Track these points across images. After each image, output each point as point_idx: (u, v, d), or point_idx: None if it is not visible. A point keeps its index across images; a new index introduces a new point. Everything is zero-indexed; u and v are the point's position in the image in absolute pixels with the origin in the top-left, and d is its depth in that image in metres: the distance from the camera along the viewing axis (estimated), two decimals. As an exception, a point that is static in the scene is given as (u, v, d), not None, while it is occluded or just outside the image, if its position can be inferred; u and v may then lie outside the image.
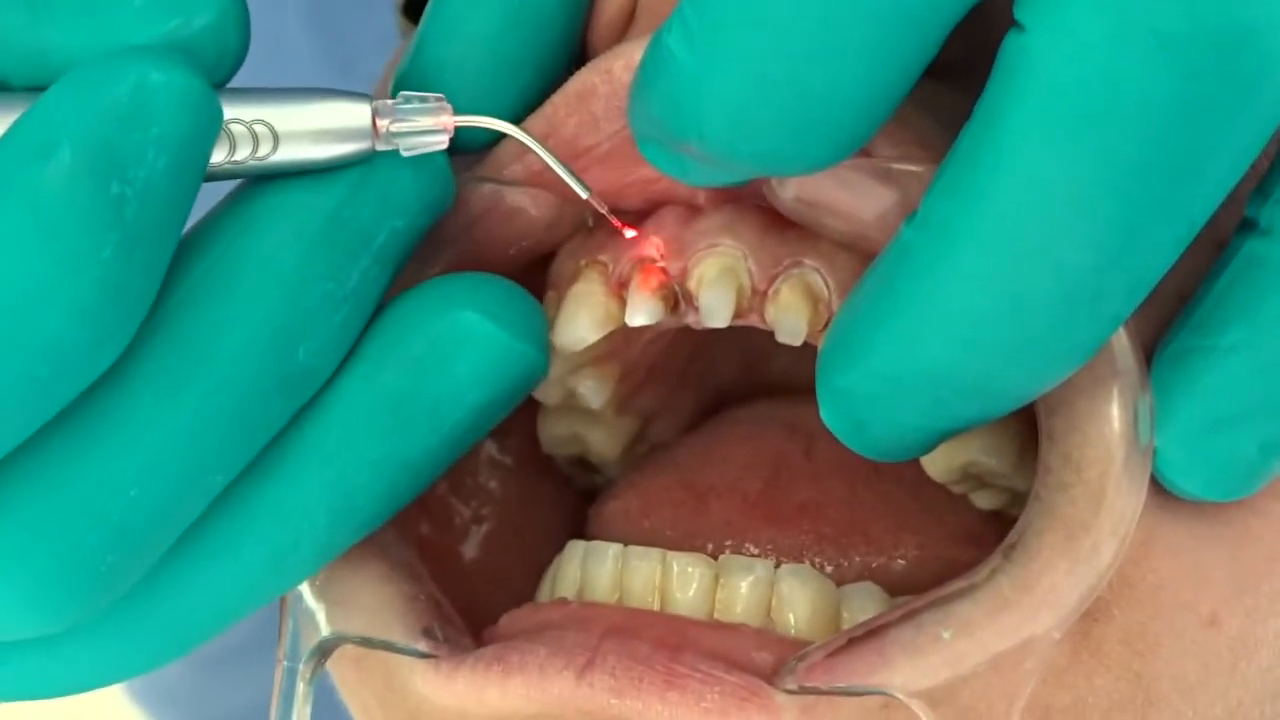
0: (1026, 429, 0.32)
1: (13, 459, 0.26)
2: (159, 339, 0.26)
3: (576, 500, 0.40)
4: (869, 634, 0.28)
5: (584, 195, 0.30)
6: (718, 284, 0.30)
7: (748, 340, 0.40)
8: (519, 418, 0.38)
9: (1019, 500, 0.34)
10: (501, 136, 0.31)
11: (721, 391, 0.41)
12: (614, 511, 0.37)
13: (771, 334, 0.40)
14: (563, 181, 0.30)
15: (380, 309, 0.30)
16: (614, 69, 0.29)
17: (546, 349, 0.31)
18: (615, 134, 0.30)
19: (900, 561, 0.34)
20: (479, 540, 0.37)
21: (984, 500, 0.34)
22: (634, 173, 0.31)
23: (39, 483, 0.26)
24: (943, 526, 0.35)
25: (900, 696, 0.27)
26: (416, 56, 0.31)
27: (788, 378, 0.40)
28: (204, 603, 0.29)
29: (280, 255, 0.27)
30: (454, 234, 0.32)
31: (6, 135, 0.25)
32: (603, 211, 0.31)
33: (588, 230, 0.33)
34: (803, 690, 0.28)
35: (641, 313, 0.31)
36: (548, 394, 0.35)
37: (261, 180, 0.28)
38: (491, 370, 0.29)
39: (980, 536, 0.34)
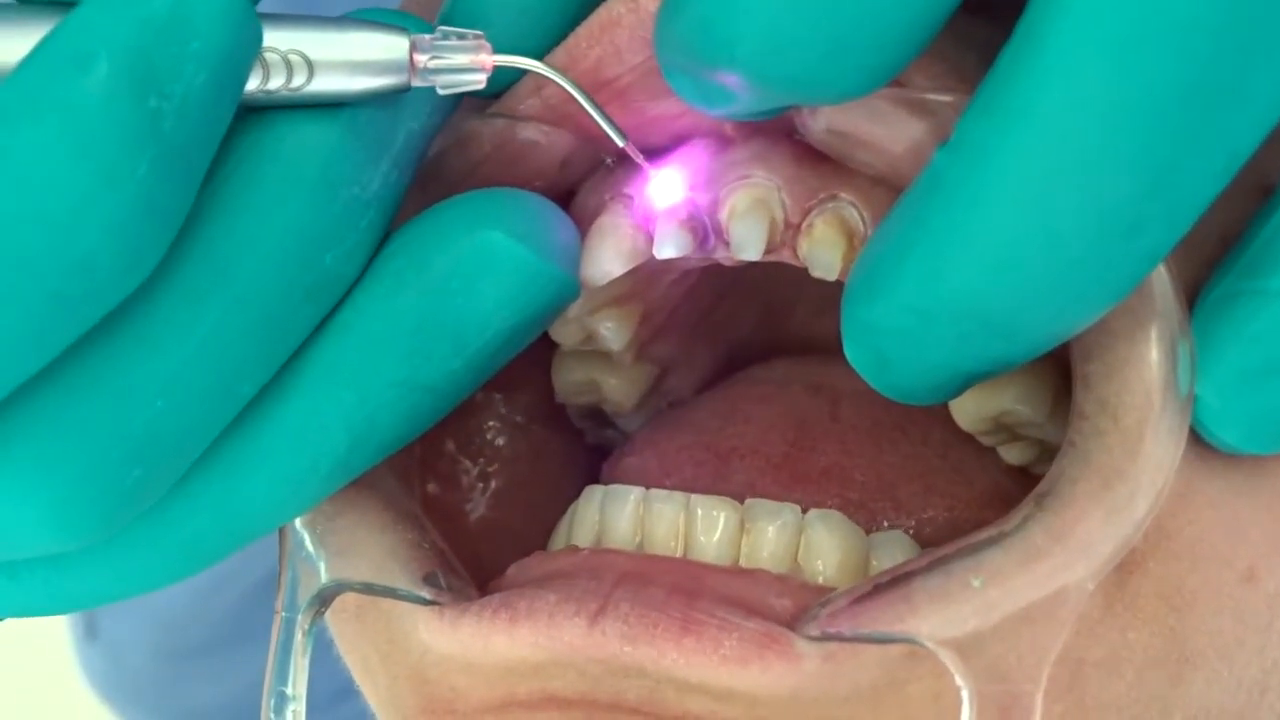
0: (1061, 378, 0.33)
1: (39, 375, 0.27)
2: (185, 248, 0.27)
3: (588, 458, 0.41)
4: (895, 580, 0.29)
5: (620, 143, 0.31)
6: (749, 216, 0.32)
7: (769, 293, 0.41)
8: (530, 372, 0.39)
9: (1049, 456, 0.35)
10: (519, 75, 0.32)
11: (740, 345, 0.42)
12: (631, 468, 0.38)
13: (793, 287, 0.41)
14: (583, 115, 0.31)
15: (403, 225, 0.31)
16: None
17: (577, 267, 0.32)
18: (639, 65, 0.31)
19: (929, 527, 0.35)
20: (487, 499, 0.39)
21: (1014, 454, 0.35)
22: (658, 106, 0.32)
23: (63, 397, 0.27)
24: (972, 488, 0.36)
25: (928, 645, 0.28)
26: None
27: (808, 334, 0.41)
28: (219, 521, 0.30)
29: (304, 160, 0.28)
30: (461, 174, 0.33)
31: (41, 45, 0.26)
32: (639, 160, 0.32)
33: (608, 168, 0.34)
34: (825, 637, 0.29)
35: (670, 244, 0.32)
36: (565, 335, 0.37)
37: None
38: (519, 293, 0.30)
39: (1011, 498, 0.35)
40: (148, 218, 0.26)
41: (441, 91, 0.30)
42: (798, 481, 0.36)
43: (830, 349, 0.39)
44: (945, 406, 0.35)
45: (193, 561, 0.31)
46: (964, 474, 0.36)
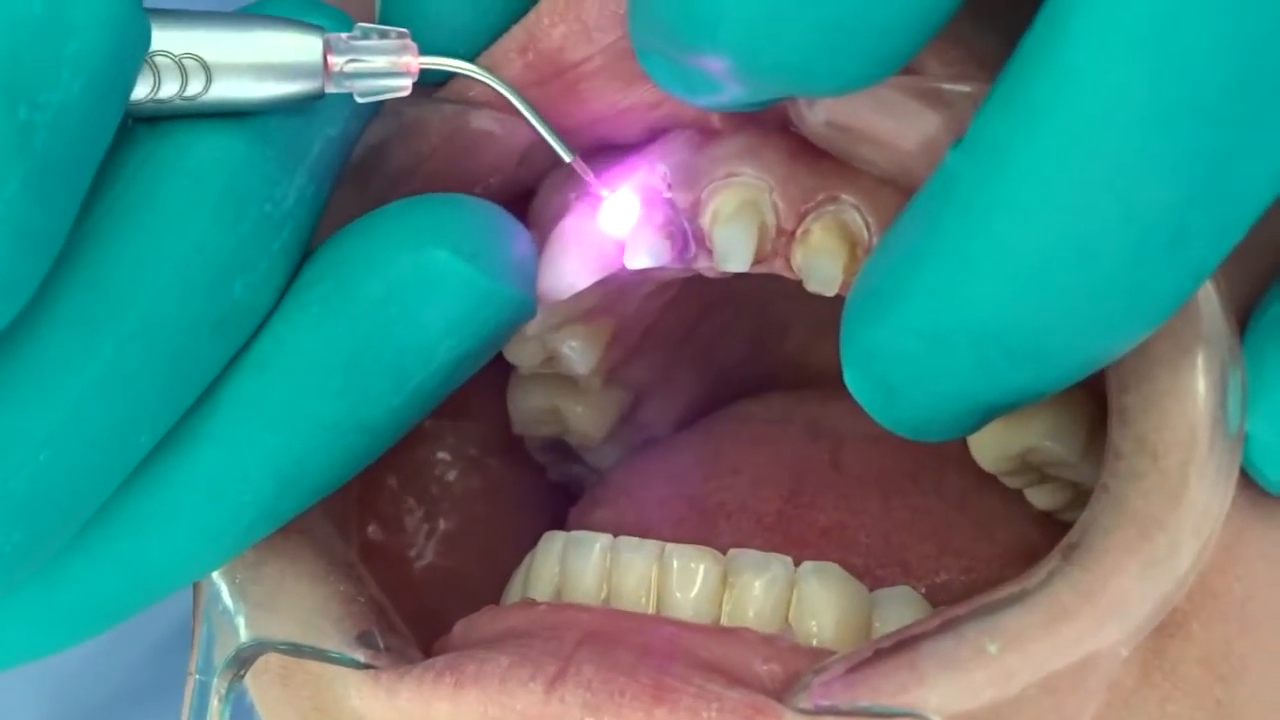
0: (1098, 409, 0.32)
1: None
2: (69, 278, 0.27)
3: (549, 496, 0.41)
4: (900, 645, 0.29)
5: (567, 159, 0.31)
6: (736, 220, 0.31)
7: (761, 310, 0.41)
8: (484, 398, 0.39)
9: (1082, 500, 0.34)
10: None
11: (727, 370, 0.42)
12: (602, 522, 0.37)
13: (789, 303, 0.41)
14: (547, 99, 0.31)
15: (329, 239, 0.31)
16: None
17: (534, 284, 0.32)
18: (610, 46, 0.31)
19: (944, 592, 0.35)
20: (435, 544, 0.38)
21: (1042, 498, 0.35)
22: (632, 94, 0.32)
23: None
24: (993, 545, 0.36)
25: None
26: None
27: (805, 359, 0.41)
28: (123, 579, 0.30)
29: (205, 175, 0.28)
30: (406, 169, 0.33)
31: None
32: (589, 178, 0.32)
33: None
34: (818, 710, 0.29)
35: (644, 253, 0.32)
36: (524, 356, 0.36)
37: None
38: (467, 319, 0.30)
39: (1039, 553, 0.35)
40: (18, 244, 0.25)
41: (360, 99, 0.30)
42: (793, 544, 0.35)
43: (831, 381, 0.39)
44: (963, 449, 0.34)
45: (93, 623, 0.30)
46: (984, 528, 0.36)
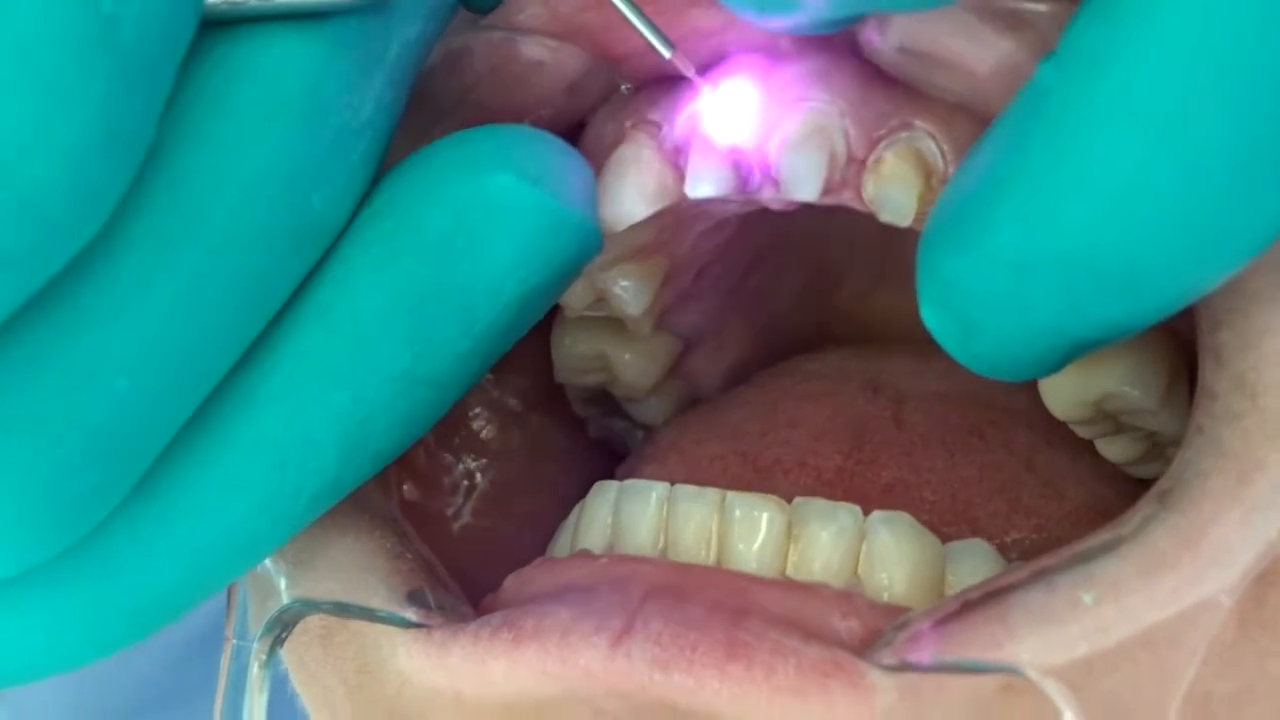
0: (1178, 353, 0.31)
1: None
2: (149, 188, 0.25)
3: (592, 453, 0.39)
4: (988, 597, 0.27)
5: (666, 54, 0.29)
6: (805, 147, 0.29)
7: (817, 255, 0.39)
8: (527, 346, 0.37)
9: (1159, 454, 0.33)
10: None
11: (776, 320, 0.40)
12: (651, 477, 0.35)
13: (845, 249, 0.39)
14: (598, 28, 0.29)
15: (386, 174, 0.29)
16: None
17: (596, 213, 0.30)
18: None
19: (1014, 551, 0.33)
20: (473, 503, 0.36)
21: (1116, 450, 0.34)
22: (688, 20, 0.30)
23: (6, 381, 0.25)
24: (1063, 503, 0.34)
25: (1030, 675, 0.26)
26: None
27: (859, 310, 0.40)
28: (182, 567, 0.28)
29: (285, 80, 0.26)
30: (453, 98, 0.31)
31: None
32: (688, 74, 0.30)
33: (624, 95, 0.32)
34: (903, 666, 0.27)
35: (707, 181, 0.30)
36: (572, 296, 0.34)
37: None
38: (536, 246, 0.28)
39: (1111, 512, 0.33)
40: (106, 148, 0.23)
41: None
42: (855, 500, 0.33)
43: (887, 335, 0.38)
44: (1031, 405, 0.33)
45: (149, 618, 0.28)
46: (1054, 486, 0.34)
